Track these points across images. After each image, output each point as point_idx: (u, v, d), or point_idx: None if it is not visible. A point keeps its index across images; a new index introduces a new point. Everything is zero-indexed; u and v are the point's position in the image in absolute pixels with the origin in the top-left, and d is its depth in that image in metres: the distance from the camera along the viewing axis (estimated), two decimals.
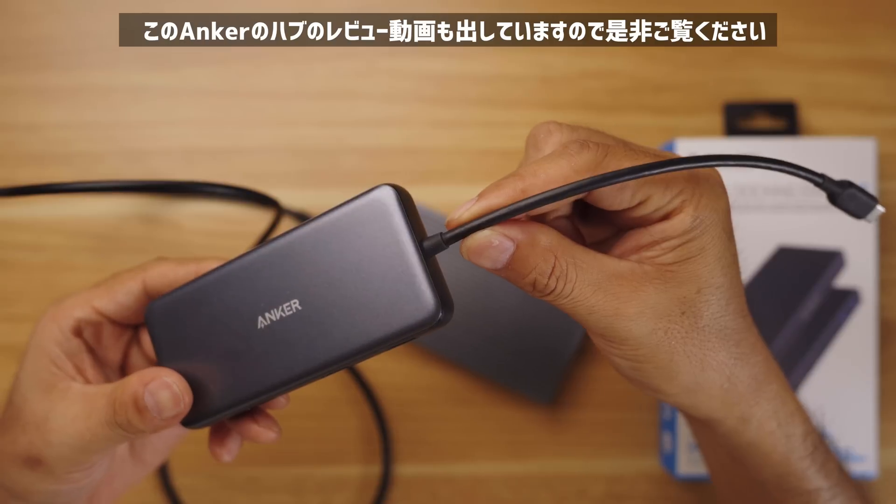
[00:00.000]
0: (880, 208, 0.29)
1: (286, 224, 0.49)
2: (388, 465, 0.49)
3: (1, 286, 0.49)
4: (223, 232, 0.50)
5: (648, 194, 0.29)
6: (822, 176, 0.29)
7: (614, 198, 0.29)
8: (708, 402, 0.32)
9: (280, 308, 0.29)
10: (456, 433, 0.50)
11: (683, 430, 0.46)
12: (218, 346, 0.31)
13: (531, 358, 0.48)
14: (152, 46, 0.49)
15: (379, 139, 0.50)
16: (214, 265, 0.33)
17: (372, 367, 0.49)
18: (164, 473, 0.49)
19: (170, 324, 0.33)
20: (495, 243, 0.28)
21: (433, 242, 0.28)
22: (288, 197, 0.50)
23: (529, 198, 0.27)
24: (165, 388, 0.31)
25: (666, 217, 0.30)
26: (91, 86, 0.50)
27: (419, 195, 0.50)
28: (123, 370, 0.37)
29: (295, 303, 0.29)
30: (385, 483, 0.49)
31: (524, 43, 0.50)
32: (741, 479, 0.36)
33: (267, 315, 0.30)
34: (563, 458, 0.50)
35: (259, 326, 0.30)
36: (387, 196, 0.28)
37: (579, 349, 0.50)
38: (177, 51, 0.50)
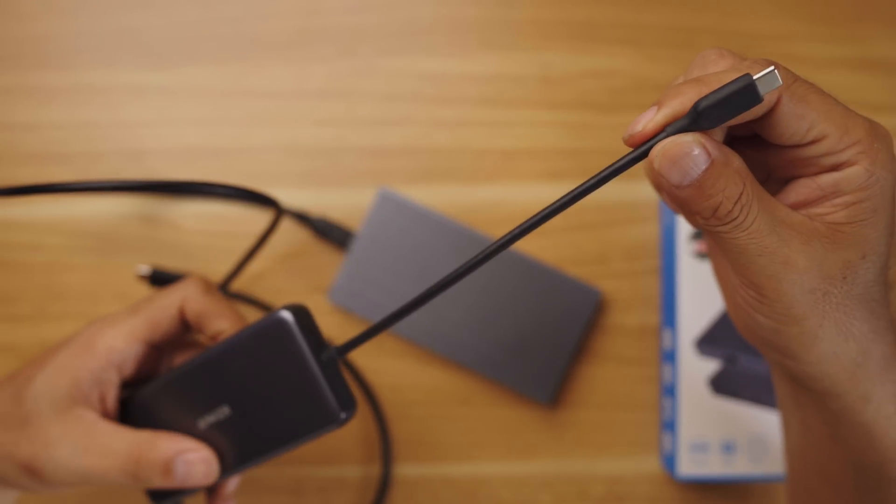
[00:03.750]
0: (766, 74, 0.25)
1: (286, 224, 0.49)
2: (388, 465, 0.49)
3: (0, 286, 0.49)
4: (222, 232, 0.50)
5: (825, 133, 0.26)
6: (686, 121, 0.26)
7: (789, 126, 0.26)
8: (837, 374, 0.30)
9: (214, 413, 0.35)
10: (456, 433, 0.50)
11: (684, 430, 0.46)
12: None
13: (531, 358, 0.48)
14: (150, 45, 0.49)
15: (378, 139, 0.50)
16: (237, 321, 0.37)
17: (372, 368, 0.49)
18: None
19: (139, 414, 0.37)
20: (695, 152, 0.25)
21: (329, 355, 0.32)
22: (287, 196, 0.50)
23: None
24: (203, 462, 0.34)
25: (835, 168, 0.27)
26: (90, 85, 0.50)
27: (419, 195, 0.50)
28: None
29: (226, 409, 0.35)
30: (385, 483, 0.49)
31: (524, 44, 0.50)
32: (836, 462, 0.34)
33: (206, 417, 0.35)
34: (563, 458, 0.50)
35: (200, 427, 0.35)
36: (286, 321, 0.32)
37: (579, 349, 0.50)
38: (175, 50, 0.50)
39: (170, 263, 0.49)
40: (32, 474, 0.34)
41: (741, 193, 0.26)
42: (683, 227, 0.46)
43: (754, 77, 0.25)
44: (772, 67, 0.25)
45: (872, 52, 0.50)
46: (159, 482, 0.34)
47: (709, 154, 0.25)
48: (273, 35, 0.50)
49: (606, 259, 0.50)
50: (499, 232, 0.50)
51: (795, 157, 0.27)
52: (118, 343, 0.35)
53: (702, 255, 0.46)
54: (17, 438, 0.34)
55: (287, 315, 0.33)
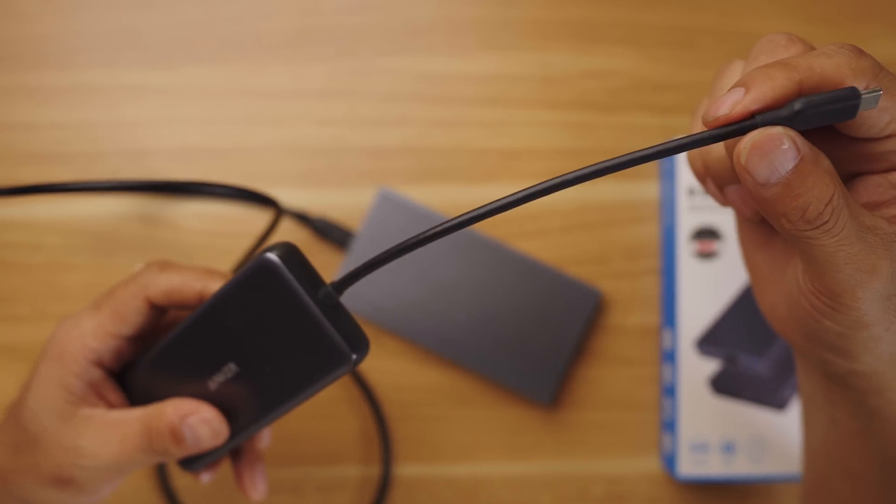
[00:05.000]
0: (872, 93, 0.24)
1: (286, 224, 0.49)
2: (388, 465, 0.49)
3: (0, 286, 0.49)
4: (222, 231, 0.50)
5: None
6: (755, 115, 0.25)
7: (868, 117, 0.25)
8: (885, 372, 0.29)
9: (222, 371, 0.33)
10: (456, 433, 0.50)
11: (684, 430, 0.46)
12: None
13: (531, 358, 0.48)
14: (149, 45, 0.49)
15: (378, 138, 0.50)
16: (217, 283, 0.34)
17: (372, 368, 0.49)
18: (163, 474, 0.48)
19: (144, 388, 0.36)
20: (785, 146, 0.23)
21: (327, 291, 0.30)
22: (287, 196, 0.50)
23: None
24: (205, 423, 0.33)
25: None
26: (89, 85, 0.50)
27: (419, 195, 0.50)
28: None
29: (232, 366, 0.33)
30: (385, 483, 0.49)
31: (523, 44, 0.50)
32: (861, 458, 0.33)
33: (215, 378, 0.33)
34: (563, 458, 0.50)
35: (211, 388, 0.34)
36: (273, 263, 0.30)
37: (579, 349, 0.50)
38: (175, 49, 0.50)
39: None
40: (65, 485, 0.34)
41: (832, 196, 0.24)
42: (683, 228, 0.46)
43: (862, 94, 0.24)
44: (879, 89, 0.24)
45: (873, 53, 0.50)
46: (176, 451, 0.33)
47: (798, 150, 0.24)
48: (273, 35, 0.50)
49: (607, 259, 0.50)
50: (498, 232, 0.50)
51: (869, 151, 0.26)
52: (90, 342, 0.34)
53: (702, 255, 0.46)
54: (36, 460, 0.34)
55: (273, 257, 0.30)
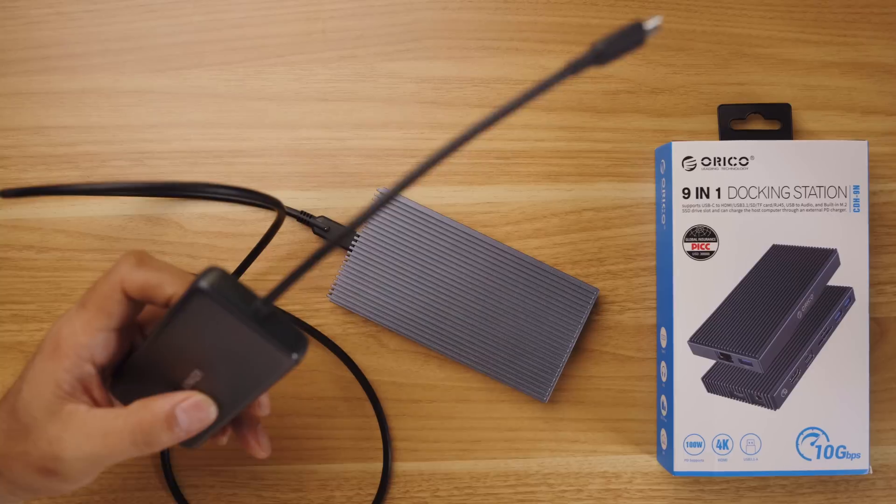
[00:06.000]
0: (652, 22, 0.29)
1: (288, 225, 0.50)
2: (388, 462, 0.49)
3: (8, 286, 0.50)
4: (226, 232, 0.50)
5: None
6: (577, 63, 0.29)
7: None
8: None
9: (190, 376, 0.36)
10: (455, 431, 0.50)
11: (679, 427, 0.47)
12: None
13: (529, 356, 0.49)
14: (157, 49, 0.50)
15: (379, 141, 0.50)
16: (182, 282, 0.36)
17: (372, 367, 0.50)
18: (167, 470, 0.49)
19: (133, 388, 0.38)
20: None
21: (256, 307, 0.33)
22: (290, 198, 0.50)
23: None
24: (196, 407, 0.36)
25: None
26: (95, 89, 0.50)
27: (419, 197, 0.50)
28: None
29: (197, 372, 0.36)
30: (385, 480, 0.49)
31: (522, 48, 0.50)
32: None
33: (186, 381, 0.37)
34: (561, 455, 0.50)
35: (185, 388, 0.37)
36: (202, 293, 0.33)
37: (577, 347, 0.50)
38: (180, 54, 0.50)
39: (175, 264, 0.50)
40: (49, 474, 0.36)
41: None
42: (679, 228, 0.47)
43: (645, 27, 0.29)
44: (660, 19, 0.30)
45: (864, 56, 0.51)
46: (169, 439, 0.36)
47: None
48: (275, 39, 0.51)
49: (603, 259, 0.50)
50: (497, 233, 0.50)
51: None
52: (80, 339, 0.36)
53: (696, 255, 0.47)
54: (26, 448, 0.36)
55: (204, 285, 0.33)
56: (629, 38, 0.29)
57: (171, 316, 0.34)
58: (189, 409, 0.36)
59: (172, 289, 0.36)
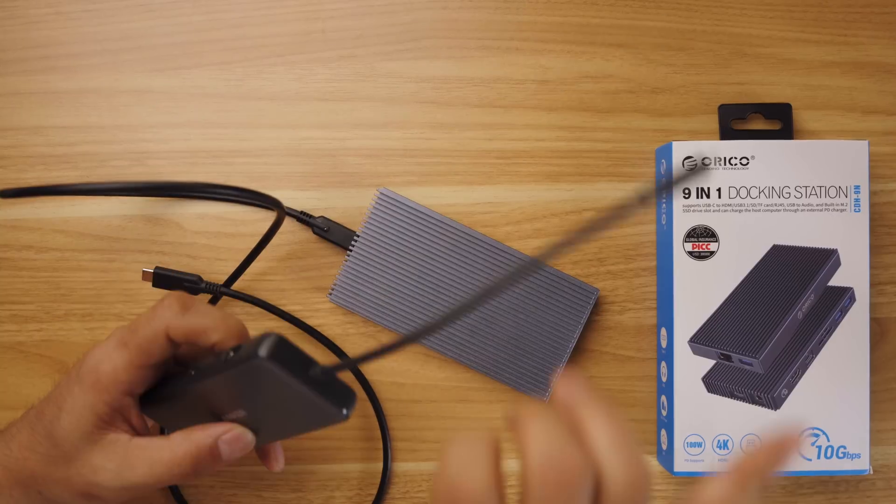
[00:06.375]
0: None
1: (288, 224, 0.50)
2: (388, 462, 0.49)
3: (7, 286, 0.50)
4: (226, 233, 0.50)
5: None
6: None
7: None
8: None
9: (233, 413, 0.38)
10: (456, 430, 0.50)
11: (679, 427, 0.47)
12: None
13: (530, 356, 0.49)
14: (154, 48, 0.50)
15: (379, 141, 0.51)
16: (232, 339, 0.38)
17: (372, 367, 0.50)
18: None
19: (169, 417, 0.40)
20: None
21: (315, 374, 0.34)
22: (289, 198, 0.50)
23: None
24: (236, 439, 0.38)
25: None
26: (95, 88, 0.51)
27: (419, 196, 0.50)
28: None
29: (241, 412, 0.38)
30: (385, 480, 0.49)
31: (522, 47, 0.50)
32: None
33: (227, 416, 0.39)
34: None
35: (226, 420, 0.39)
36: (265, 367, 0.34)
37: (577, 348, 0.50)
38: (179, 53, 0.50)
39: (174, 264, 0.50)
40: (92, 498, 0.38)
41: None
42: (679, 228, 0.47)
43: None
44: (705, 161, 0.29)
45: (864, 56, 0.51)
46: (212, 469, 0.38)
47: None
48: (275, 39, 0.51)
49: (604, 259, 0.50)
50: (497, 233, 0.50)
51: None
52: (121, 376, 0.38)
53: (697, 255, 0.47)
54: (69, 474, 0.38)
55: (263, 353, 0.34)
56: (697, 174, 0.27)
57: (224, 369, 0.36)
58: (231, 441, 0.38)
59: (218, 335, 0.38)
